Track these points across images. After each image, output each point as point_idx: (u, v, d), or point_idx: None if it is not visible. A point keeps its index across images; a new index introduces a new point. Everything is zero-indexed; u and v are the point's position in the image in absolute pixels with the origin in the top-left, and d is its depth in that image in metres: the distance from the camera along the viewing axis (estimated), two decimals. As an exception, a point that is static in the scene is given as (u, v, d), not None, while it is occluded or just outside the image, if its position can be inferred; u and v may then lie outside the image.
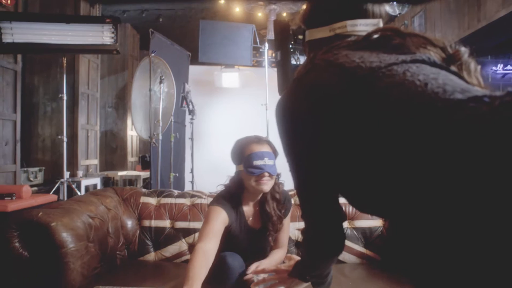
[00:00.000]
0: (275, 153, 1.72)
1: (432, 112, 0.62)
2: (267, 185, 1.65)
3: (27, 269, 1.70)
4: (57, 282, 1.68)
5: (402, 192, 0.66)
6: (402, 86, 0.67)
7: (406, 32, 0.79)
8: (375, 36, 0.81)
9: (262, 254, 1.80)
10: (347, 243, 2.16)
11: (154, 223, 2.21)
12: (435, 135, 0.60)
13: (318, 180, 0.86)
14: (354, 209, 2.24)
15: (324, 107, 0.77)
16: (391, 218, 0.79)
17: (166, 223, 2.21)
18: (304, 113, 0.81)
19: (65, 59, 4.64)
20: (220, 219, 1.61)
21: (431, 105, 0.63)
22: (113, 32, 4.27)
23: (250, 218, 1.76)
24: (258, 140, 1.71)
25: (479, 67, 0.75)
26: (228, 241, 1.68)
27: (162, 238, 2.19)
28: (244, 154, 1.67)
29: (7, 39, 4.04)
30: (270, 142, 1.74)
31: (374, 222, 2.21)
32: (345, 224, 2.21)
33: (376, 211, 0.82)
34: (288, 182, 1.81)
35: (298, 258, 1.28)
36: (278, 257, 1.78)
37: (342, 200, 2.27)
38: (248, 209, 1.76)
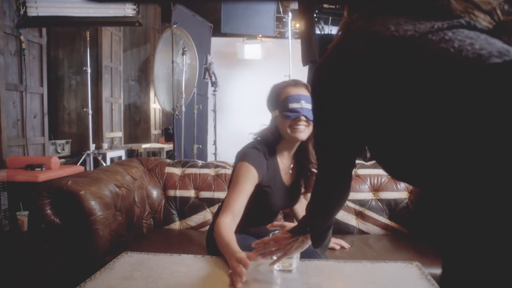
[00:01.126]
0: None
1: (465, 79, 0.60)
2: (303, 132, 1.52)
3: (59, 236, 1.76)
4: (87, 248, 1.73)
5: (432, 159, 0.65)
6: (435, 56, 0.65)
7: None
8: None
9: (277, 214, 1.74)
10: (372, 214, 2.15)
11: (179, 193, 2.24)
12: (468, 103, 0.59)
13: (341, 135, 0.89)
14: (379, 181, 2.21)
15: (357, 74, 0.77)
16: (421, 184, 0.78)
17: (191, 193, 2.24)
18: (336, 77, 0.82)
19: (88, 32, 4.66)
20: (249, 180, 1.50)
21: (465, 72, 0.61)
22: (134, 4, 4.24)
23: (285, 174, 1.64)
24: (296, 83, 1.60)
25: None
26: (260, 198, 1.56)
27: (187, 207, 2.22)
28: (280, 97, 1.55)
29: (32, 12, 4.08)
30: (308, 86, 1.58)
31: (399, 194, 2.18)
32: (370, 196, 2.19)
33: (406, 178, 0.81)
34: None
35: (291, 224, 1.24)
36: None
37: (367, 171, 2.24)
38: (283, 163, 1.63)
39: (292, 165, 1.67)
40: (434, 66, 0.65)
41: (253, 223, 1.63)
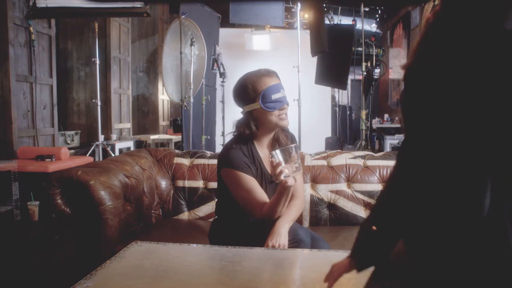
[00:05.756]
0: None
1: None
2: (287, 118, 1.60)
3: (69, 225, 1.78)
4: (97, 237, 1.75)
5: None
6: None
7: None
8: None
9: None
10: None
11: (187, 183, 2.24)
12: None
13: None
14: (388, 172, 2.19)
15: None
16: None
17: (199, 184, 2.24)
18: None
19: (96, 23, 4.66)
20: (247, 177, 1.55)
21: None
22: (142, 1, 4.23)
23: (266, 164, 1.64)
24: (268, 72, 1.60)
25: None
26: None
27: (196, 198, 2.22)
28: (258, 90, 1.55)
29: (40, 3, 4.09)
30: (276, 73, 1.65)
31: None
32: (379, 187, 2.17)
33: None
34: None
35: None
36: (297, 209, 1.64)
37: (376, 162, 2.19)
38: (264, 154, 1.65)
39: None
40: None
41: (251, 220, 1.64)
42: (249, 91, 1.57)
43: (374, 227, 0.79)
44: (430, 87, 0.68)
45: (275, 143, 1.68)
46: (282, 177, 1.38)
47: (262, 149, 1.66)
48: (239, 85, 1.61)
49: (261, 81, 1.56)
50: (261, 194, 1.55)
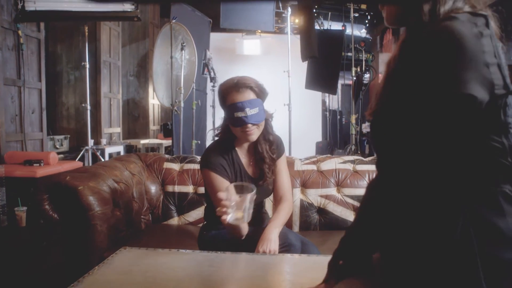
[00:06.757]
0: (260, 96, 1.55)
1: None
2: (253, 135, 1.53)
3: (57, 231, 1.76)
4: (85, 243, 1.73)
5: None
6: None
7: None
8: None
9: (262, 206, 1.75)
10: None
11: (177, 188, 2.24)
12: None
13: None
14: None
15: None
16: None
17: (189, 189, 2.24)
18: None
19: (86, 27, 4.64)
20: (221, 184, 1.52)
21: None
22: (133, 4, 4.21)
23: (249, 167, 1.65)
24: (238, 87, 1.52)
25: None
26: None
27: (185, 203, 2.22)
28: (225, 103, 1.54)
29: (29, 7, 4.05)
30: (252, 86, 1.53)
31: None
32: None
33: None
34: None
35: None
36: (286, 213, 1.62)
37: (365, 167, 2.19)
38: (243, 156, 1.65)
39: (252, 155, 1.68)
40: None
41: None
42: (221, 101, 1.59)
43: (340, 262, 0.94)
44: (388, 139, 0.81)
45: (253, 148, 1.66)
46: (225, 217, 1.21)
47: (242, 152, 1.66)
48: (218, 91, 1.63)
49: (228, 95, 1.54)
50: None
